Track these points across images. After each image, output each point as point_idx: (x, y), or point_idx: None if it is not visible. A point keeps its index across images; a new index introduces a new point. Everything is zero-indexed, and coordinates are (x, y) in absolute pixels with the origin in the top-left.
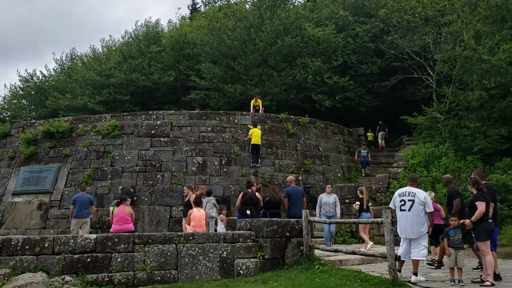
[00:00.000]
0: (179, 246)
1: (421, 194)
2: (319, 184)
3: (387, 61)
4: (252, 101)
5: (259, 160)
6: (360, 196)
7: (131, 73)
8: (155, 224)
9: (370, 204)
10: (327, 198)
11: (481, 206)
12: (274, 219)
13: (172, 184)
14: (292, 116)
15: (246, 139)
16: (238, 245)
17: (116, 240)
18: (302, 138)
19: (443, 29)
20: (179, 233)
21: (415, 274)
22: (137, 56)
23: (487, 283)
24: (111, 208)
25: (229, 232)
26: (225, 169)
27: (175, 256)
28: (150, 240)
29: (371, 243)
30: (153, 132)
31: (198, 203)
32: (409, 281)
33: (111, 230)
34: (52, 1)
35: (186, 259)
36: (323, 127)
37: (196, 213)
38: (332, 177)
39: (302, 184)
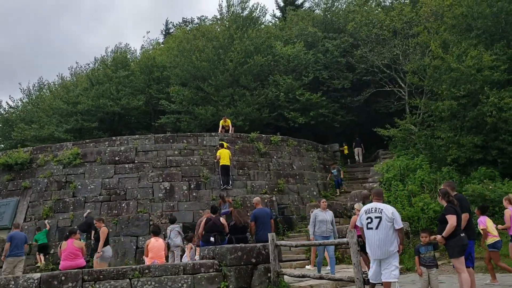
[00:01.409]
0: (134, 281)
1: (388, 210)
2: (294, 204)
3: (358, 75)
4: (221, 122)
5: (230, 182)
6: None
7: (98, 99)
8: (120, 256)
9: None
10: (324, 215)
11: (451, 219)
12: (239, 245)
13: (138, 213)
14: (263, 135)
15: (215, 161)
16: (199, 276)
17: (63, 278)
18: (275, 157)
19: (411, 41)
20: (134, 266)
21: None
22: (105, 82)
23: None
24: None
25: (190, 262)
26: (194, 194)
27: None
28: (101, 276)
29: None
30: (117, 158)
31: (156, 232)
32: None
33: (59, 267)
34: (29, 31)
35: None
36: (296, 145)
37: (154, 243)
38: (308, 196)
39: (276, 205)
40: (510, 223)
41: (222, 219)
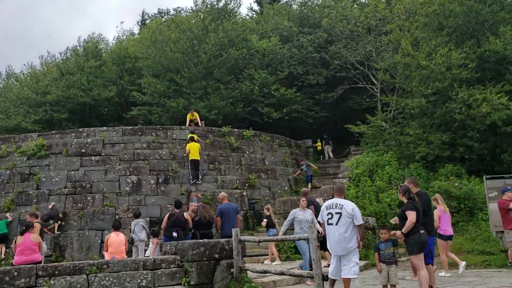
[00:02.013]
0: (91, 277)
1: (348, 206)
2: (265, 199)
3: (332, 71)
4: (188, 115)
5: (200, 177)
6: (267, 213)
7: (68, 90)
8: (85, 251)
9: (276, 220)
10: (304, 215)
11: (411, 215)
12: (201, 240)
13: (103, 206)
14: (235, 130)
15: (184, 155)
16: (160, 272)
17: (15, 274)
18: (247, 152)
19: (384, 38)
20: (91, 262)
21: None
22: (75, 72)
23: None
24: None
25: (150, 257)
26: (162, 188)
27: None
28: (56, 272)
29: (278, 261)
30: (83, 150)
31: (116, 227)
32: None
33: (13, 262)
34: (9, 22)
35: None
36: (268, 140)
37: (114, 238)
38: (279, 191)
39: (246, 200)
40: (438, 222)
41: (186, 214)
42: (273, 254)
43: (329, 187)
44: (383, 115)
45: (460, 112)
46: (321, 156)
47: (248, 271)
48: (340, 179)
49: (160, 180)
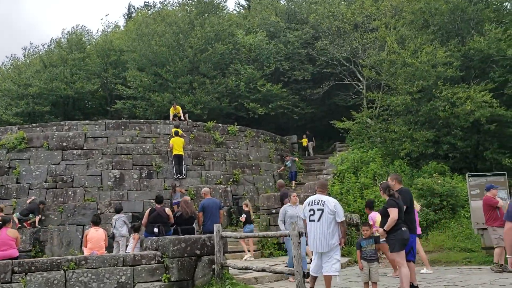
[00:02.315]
0: (68, 273)
1: (330, 203)
2: (249, 195)
3: (318, 67)
4: (171, 110)
5: (184, 172)
6: (246, 209)
7: (51, 82)
8: (65, 246)
9: (253, 217)
10: (294, 210)
11: (393, 213)
12: (182, 236)
13: (85, 201)
14: (220, 125)
15: (168, 149)
16: (140, 268)
17: None
18: (232, 147)
19: (370, 35)
20: (69, 257)
21: None
22: (59, 64)
23: None
24: None
25: (130, 253)
26: (145, 183)
27: (63, 285)
28: (33, 268)
29: (249, 255)
30: (64, 144)
31: (96, 222)
32: None
33: None
34: None
35: (77, 287)
36: (253, 135)
37: (94, 233)
38: (263, 187)
39: (231, 196)
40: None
41: (168, 210)
42: (248, 245)
43: (313, 183)
44: (369, 112)
45: (444, 110)
46: (306, 152)
47: (230, 268)
48: (324, 175)
49: (144, 175)
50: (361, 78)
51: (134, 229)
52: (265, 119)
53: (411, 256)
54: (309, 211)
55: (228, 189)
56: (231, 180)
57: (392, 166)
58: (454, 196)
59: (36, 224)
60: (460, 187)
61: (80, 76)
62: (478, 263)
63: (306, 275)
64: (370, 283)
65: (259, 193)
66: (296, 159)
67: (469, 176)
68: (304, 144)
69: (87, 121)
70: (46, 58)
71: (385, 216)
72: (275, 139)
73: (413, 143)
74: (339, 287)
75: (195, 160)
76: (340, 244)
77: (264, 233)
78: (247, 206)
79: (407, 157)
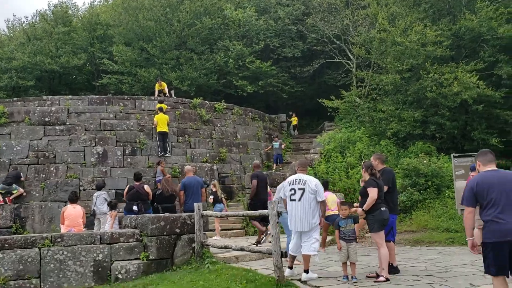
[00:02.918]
0: (43, 250)
1: (311, 182)
2: (235, 173)
3: (309, 45)
4: (156, 85)
5: (168, 149)
6: (213, 189)
7: (35, 56)
8: (47, 222)
9: (223, 195)
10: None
11: (372, 192)
12: (162, 214)
13: (67, 177)
14: (207, 102)
15: (153, 126)
16: (117, 246)
17: None
18: (219, 125)
19: (361, 12)
20: (44, 235)
21: (306, 271)
22: (43, 37)
23: (381, 278)
24: None
25: (108, 231)
26: (129, 160)
27: (37, 262)
28: (6, 245)
29: (218, 236)
30: (47, 119)
31: (72, 199)
32: (300, 279)
33: None
34: None
35: (52, 265)
36: (241, 113)
37: (71, 210)
38: (250, 166)
39: (217, 174)
40: None
41: (147, 187)
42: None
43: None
44: (358, 91)
45: (432, 90)
46: (295, 131)
47: (210, 246)
48: (312, 155)
49: (127, 152)
50: (351, 57)
51: (111, 206)
52: (254, 97)
53: (390, 236)
54: (290, 190)
55: (214, 167)
56: (217, 158)
57: (379, 146)
58: (440, 177)
59: (22, 194)
60: (446, 167)
61: (66, 51)
62: (461, 243)
63: (284, 254)
64: (348, 263)
65: (246, 172)
66: (284, 144)
67: (454, 157)
68: (294, 123)
69: (70, 96)
70: (30, 31)
71: (364, 196)
72: (264, 118)
73: (400, 123)
74: (318, 265)
75: (181, 138)
76: (320, 223)
77: (244, 212)
78: (214, 186)
79: (394, 137)
